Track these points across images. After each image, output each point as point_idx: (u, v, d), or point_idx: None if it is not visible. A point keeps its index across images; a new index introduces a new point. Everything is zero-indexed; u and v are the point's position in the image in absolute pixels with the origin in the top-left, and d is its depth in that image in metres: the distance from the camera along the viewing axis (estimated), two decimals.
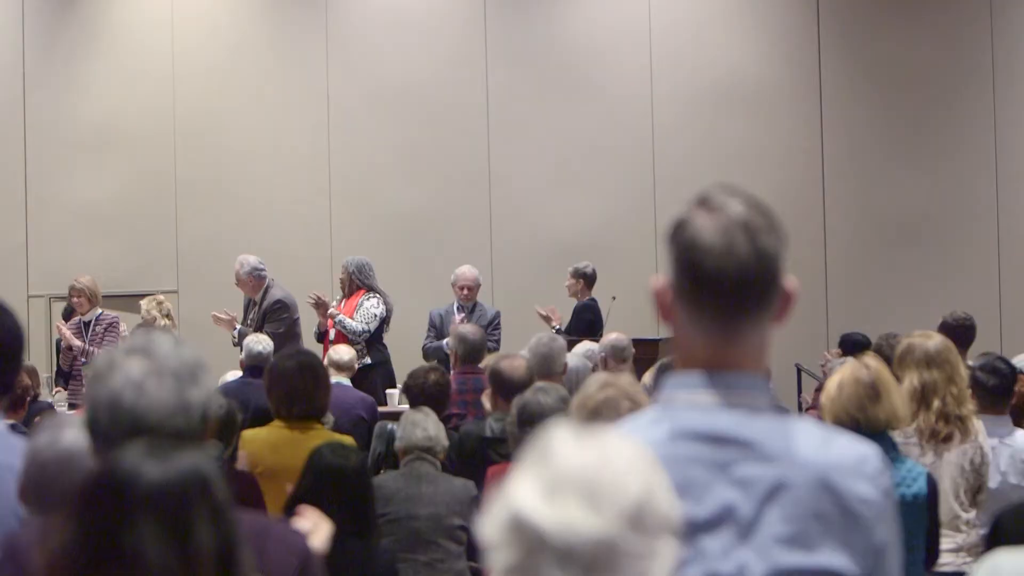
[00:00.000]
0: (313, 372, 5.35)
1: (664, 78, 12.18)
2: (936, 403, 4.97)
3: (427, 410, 5.60)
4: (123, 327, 9.60)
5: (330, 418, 6.10)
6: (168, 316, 9.56)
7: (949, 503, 4.98)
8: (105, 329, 9.56)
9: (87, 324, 9.60)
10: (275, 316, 9.38)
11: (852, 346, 8.11)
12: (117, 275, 12.12)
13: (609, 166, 12.13)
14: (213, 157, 12.33)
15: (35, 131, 12.47)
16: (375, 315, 9.29)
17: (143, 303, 9.65)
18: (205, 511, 1.73)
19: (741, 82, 12.11)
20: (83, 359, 9.36)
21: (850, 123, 12.17)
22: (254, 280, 9.57)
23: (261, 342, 7.66)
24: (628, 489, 1.41)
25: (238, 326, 9.46)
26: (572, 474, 1.40)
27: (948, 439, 4.99)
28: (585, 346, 7.55)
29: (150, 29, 12.42)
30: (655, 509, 1.44)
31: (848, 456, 1.87)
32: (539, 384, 5.09)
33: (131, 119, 12.35)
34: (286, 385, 5.27)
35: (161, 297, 9.76)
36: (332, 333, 9.32)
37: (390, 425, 6.35)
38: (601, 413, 3.78)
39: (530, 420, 4.64)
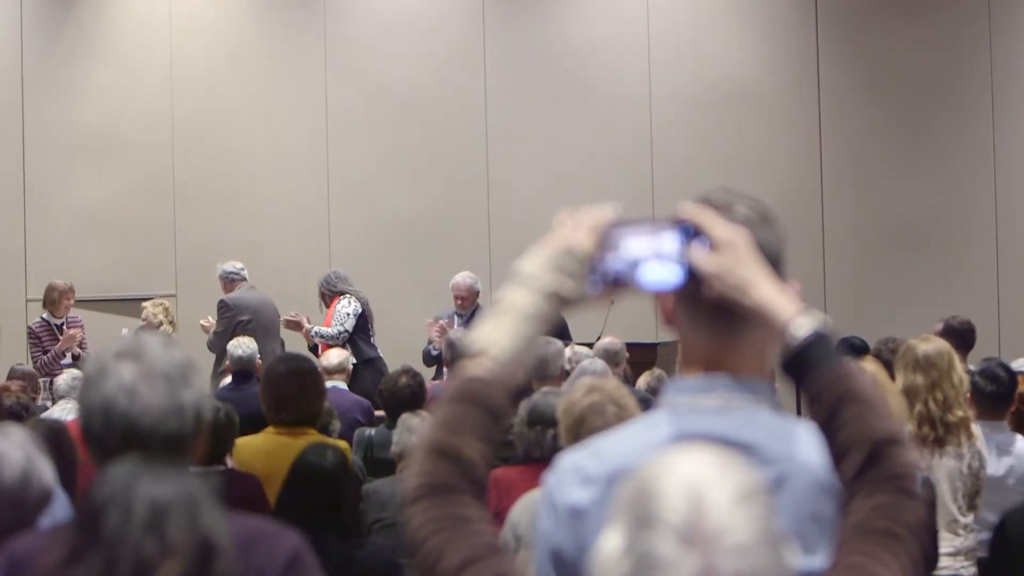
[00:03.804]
0: (302, 377, 5.32)
1: (662, 81, 12.18)
2: (918, 407, 4.95)
3: (424, 415, 5.60)
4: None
5: (337, 425, 6.09)
6: (171, 323, 9.67)
7: (947, 507, 4.97)
8: (80, 329, 9.79)
9: (59, 326, 9.71)
10: (217, 316, 9.64)
11: (849, 350, 8.09)
12: (116, 279, 12.12)
13: (607, 169, 12.12)
14: (212, 160, 12.33)
15: (33, 134, 12.47)
16: (347, 314, 9.52)
17: (147, 305, 9.72)
18: (186, 527, 1.74)
19: (739, 85, 12.11)
20: (68, 361, 9.52)
21: (848, 125, 12.17)
22: (223, 283, 9.87)
23: (241, 346, 7.61)
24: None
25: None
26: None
27: (939, 443, 4.97)
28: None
29: (148, 32, 12.42)
30: (782, 553, 1.39)
31: None
32: (547, 388, 5.14)
33: (129, 122, 12.35)
34: (275, 391, 5.26)
35: (164, 302, 9.85)
36: (320, 349, 9.45)
37: (368, 431, 6.33)
38: (587, 418, 3.80)
39: (539, 420, 4.67)
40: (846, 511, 1.62)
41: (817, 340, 1.72)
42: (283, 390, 5.23)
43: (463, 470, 1.65)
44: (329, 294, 9.75)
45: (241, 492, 4.60)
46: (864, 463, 1.63)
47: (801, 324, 1.74)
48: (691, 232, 1.77)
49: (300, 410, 5.23)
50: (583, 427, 3.76)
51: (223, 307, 9.67)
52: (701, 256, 1.76)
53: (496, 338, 1.75)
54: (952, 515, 4.99)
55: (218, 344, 9.23)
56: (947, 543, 4.90)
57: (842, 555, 1.59)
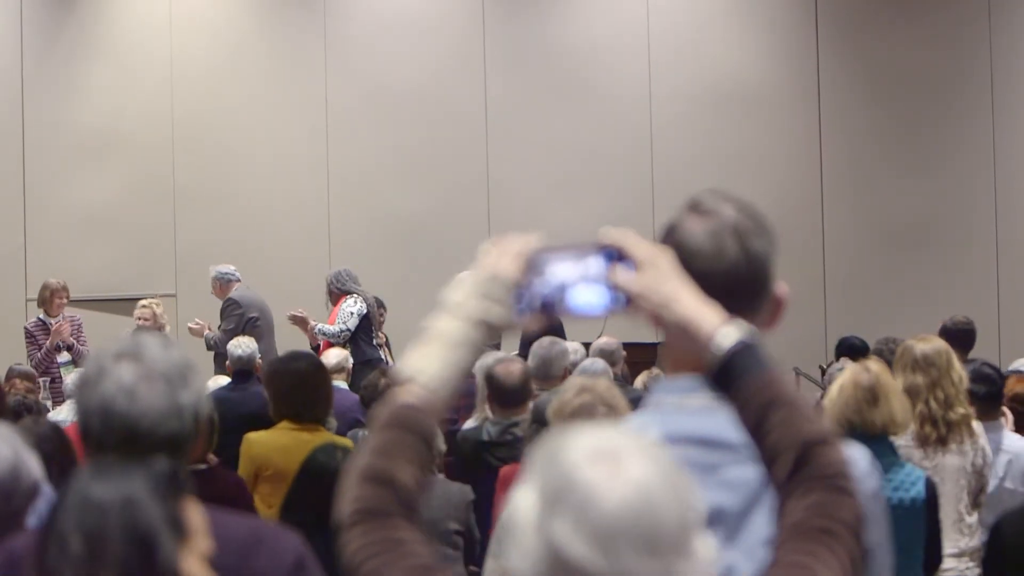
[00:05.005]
0: (325, 374, 5.38)
1: (662, 81, 12.19)
2: (919, 407, 4.95)
3: None
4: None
5: (333, 423, 6.10)
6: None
7: (953, 507, 4.96)
8: (78, 329, 9.80)
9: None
10: (227, 314, 9.67)
11: (849, 350, 8.10)
12: (116, 279, 12.13)
13: (608, 169, 12.13)
14: (212, 161, 12.33)
15: (33, 134, 12.47)
16: (351, 313, 9.52)
17: (152, 304, 9.71)
18: (122, 534, 1.74)
19: (739, 85, 12.12)
20: (65, 357, 9.52)
21: (848, 126, 12.18)
22: (219, 284, 9.89)
23: (241, 345, 7.60)
24: (673, 520, 1.42)
25: (206, 333, 9.63)
26: (621, 524, 1.40)
27: (942, 442, 4.97)
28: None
29: (148, 33, 12.42)
30: (695, 520, 1.46)
31: None
32: (556, 388, 5.14)
33: (130, 123, 12.35)
34: (305, 389, 5.24)
35: (155, 301, 9.83)
36: (321, 345, 9.44)
37: (361, 432, 6.33)
38: (577, 419, 3.79)
39: (546, 421, 4.68)
40: (782, 513, 1.65)
41: (742, 350, 1.73)
42: (312, 388, 5.24)
43: (397, 494, 1.68)
44: (337, 292, 9.70)
45: (223, 490, 4.60)
46: (795, 465, 1.65)
47: (726, 335, 1.74)
48: (615, 255, 1.81)
49: (324, 407, 5.24)
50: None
51: (232, 305, 9.63)
52: (624, 277, 1.79)
53: (425, 365, 1.79)
54: (958, 514, 4.97)
55: (229, 343, 9.18)
56: (952, 544, 4.89)
57: (781, 555, 1.61)
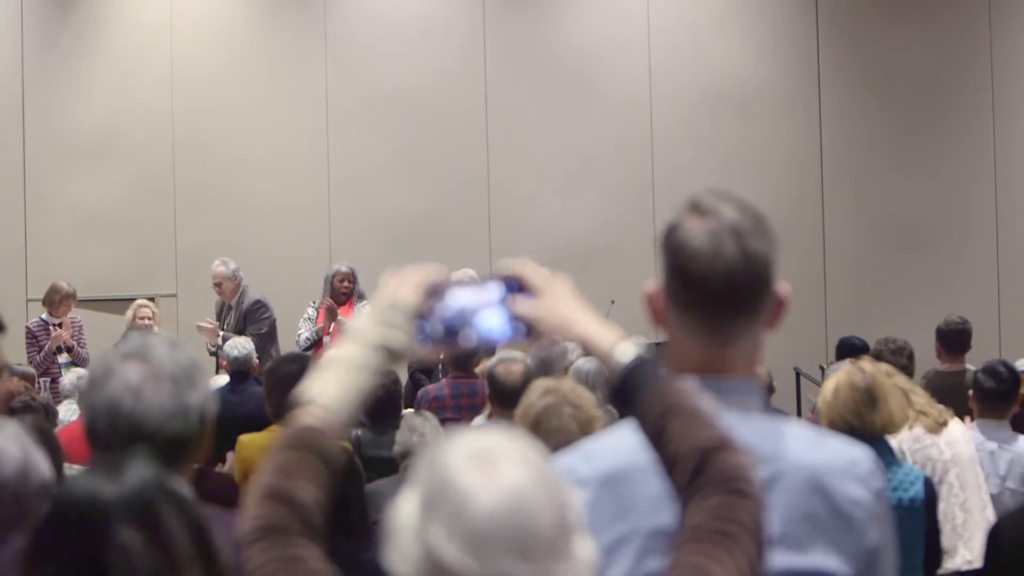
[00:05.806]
0: None
1: (663, 82, 12.19)
2: (916, 399, 4.98)
3: (427, 414, 5.59)
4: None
5: None
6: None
7: (978, 497, 4.94)
8: (79, 330, 9.79)
9: (56, 326, 9.72)
10: (256, 316, 9.51)
11: (849, 350, 8.09)
12: (116, 279, 12.12)
13: (608, 170, 12.13)
14: (212, 161, 12.33)
15: (34, 135, 12.47)
16: None
17: (150, 305, 9.66)
18: (172, 511, 1.76)
19: (740, 86, 12.11)
20: (65, 358, 9.53)
21: (849, 127, 12.17)
22: (237, 282, 9.77)
23: (237, 347, 7.59)
24: (548, 524, 1.46)
25: (221, 333, 9.54)
26: (493, 528, 1.44)
27: (943, 424, 5.00)
28: None
29: (149, 33, 12.42)
30: (572, 523, 1.49)
31: (839, 458, 1.88)
32: None
33: (130, 123, 12.35)
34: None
35: (144, 301, 9.80)
36: (327, 339, 9.37)
37: (355, 432, 6.31)
38: (543, 420, 3.76)
39: None
40: (683, 516, 1.69)
41: (639, 365, 1.79)
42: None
43: (296, 513, 1.72)
44: (352, 294, 9.57)
45: (216, 489, 4.59)
46: (695, 470, 1.69)
47: (624, 351, 1.80)
48: (514, 285, 1.88)
49: None
50: (539, 429, 3.68)
51: (261, 307, 9.53)
52: (522, 304, 1.86)
53: (326, 388, 1.84)
54: (982, 505, 4.95)
55: (266, 346, 9.11)
56: (977, 540, 4.85)
57: (679, 556, 1.65)
